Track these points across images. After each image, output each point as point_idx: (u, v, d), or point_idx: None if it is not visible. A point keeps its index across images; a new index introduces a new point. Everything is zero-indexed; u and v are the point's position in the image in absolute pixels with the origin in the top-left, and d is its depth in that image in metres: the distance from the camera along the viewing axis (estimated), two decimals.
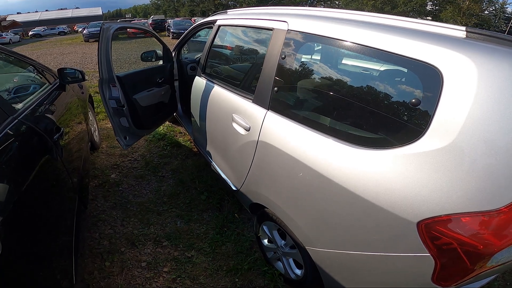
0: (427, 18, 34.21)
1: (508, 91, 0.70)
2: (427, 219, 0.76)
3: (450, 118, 0.76)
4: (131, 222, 2.00)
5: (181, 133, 3.40)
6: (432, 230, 0.76)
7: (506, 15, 32.76)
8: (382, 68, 1.05)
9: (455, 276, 0.79)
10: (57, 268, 1.11)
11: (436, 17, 33.52)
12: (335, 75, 1.18)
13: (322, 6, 43.11)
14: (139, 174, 2.56)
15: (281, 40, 1.28)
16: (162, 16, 32.48)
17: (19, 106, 1.41)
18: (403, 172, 0.82)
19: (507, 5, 32.93)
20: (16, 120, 1.22)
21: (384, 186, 0.85)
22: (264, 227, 1.57)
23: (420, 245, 0.79)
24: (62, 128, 1.52)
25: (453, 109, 0.76)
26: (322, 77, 1.19)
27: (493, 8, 33.14)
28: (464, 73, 0.75)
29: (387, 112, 0.93)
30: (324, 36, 1.12)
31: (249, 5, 38.89)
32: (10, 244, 0.80)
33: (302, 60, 1.27)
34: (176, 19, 23.99)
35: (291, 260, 1.49)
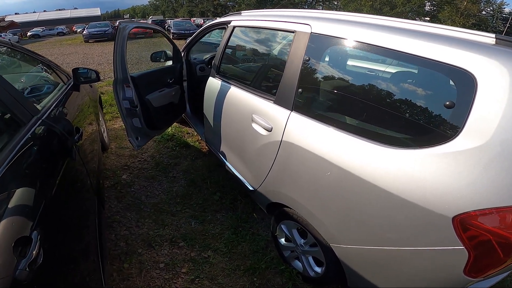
0: (425, 18, 34.39)
1: None
2: (462, 214, 0.81)
3: (484, 119, 0.81)
4: (146, 223, 2.01)
5: (189, 133, 3.40)
6: (467, 224, 0.81)
7: (504, 15, 32.97)
8: (411, 72, 1.08)
9: (487, 267, 0.84)
10: (87, 272, 1.09)
11: (434, 18, 33.70)
12: (362, 78, 1.22)
13: (321, 7, 43.21)
14: (150, 174, 2.56)
15: (304, 42, 1.30)
16: (161, 17, 32.48)
17: (39, 106, 1.41)
18: (438, 170, 0.86)
19: (505, 6, 33.10)
20: (40, 121, 1.22)
21: (418, 183, 0.88)
22: (283, 226, 1.58)
23: (455, 239, 0.83)
24: (81, 129, 1.52)
25: (487, 111, 0.81)
26: (348, 80, 1.22)
27: (491, 8, 33.35)
28: (496, 78, 0.81)
29: (420, 113, 0.97)
30: (349, 39, 1.15)
31: (248, 6, 38.92)
32: (49, 251, 0.80)
33: (326, 62, 1.29)
34: (176, 19, 24.03)
35: (310, 258, 1.51)
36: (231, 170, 1.95)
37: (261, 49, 1.96)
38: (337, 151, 1.10)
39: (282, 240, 1.66)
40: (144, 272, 1.64)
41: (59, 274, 0.85)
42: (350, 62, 1.29)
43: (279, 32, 1.59)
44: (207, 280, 1.61)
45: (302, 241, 1.48)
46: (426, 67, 0.96)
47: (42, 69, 2.02)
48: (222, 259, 1.73)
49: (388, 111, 1.05)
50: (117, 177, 2.51)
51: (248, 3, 39.88)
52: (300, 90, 1.30)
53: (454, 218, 0.82)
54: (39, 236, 0.74)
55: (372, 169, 0.98)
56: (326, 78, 1.26)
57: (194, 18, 31.30)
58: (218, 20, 2.25)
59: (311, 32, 1.29)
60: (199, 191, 2.34)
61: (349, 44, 1.18)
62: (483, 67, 0.83)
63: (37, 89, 1.78)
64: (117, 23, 1.89)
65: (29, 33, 31.11)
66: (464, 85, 0.85)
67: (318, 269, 1.47)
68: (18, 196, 0.82)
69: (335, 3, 42.62)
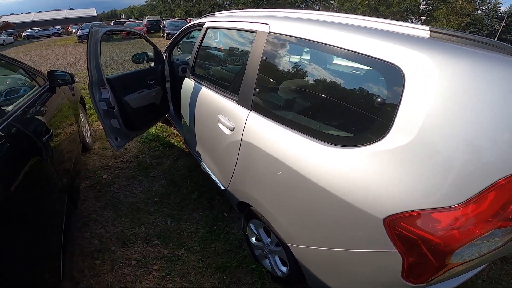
0: (421, 17, 34.50)
1: (466, 88, 0.73)
2: (391, 215, 0.79)
3: (412, 115, 0.78)
4: (122, 222, 2.03)
5: (174, 134, 3.42)
6: (397, 226, 0.78)
7: (499, 14, 33.14)
8: (352, 69, 1.08)
9: (423, 273, 0.80)
10: (45, 266, 1.14)
11: (429, 17, 33.84)
12: (310, 76, 1.21)
13: (317, 7, 43.25)
14: (130, 174, 2.58)
15: (263, 42, 1.32)
16: (157, 17, 32.37)
17: (8, 108, 1.43)
18: (372, 169, 0.84)
19: (500, 4, 33.25)
20: (5, 123, 1.24)
21: (355, 183, 0.87)
22: (251, 225, 1.61)
23: (388, 242, 0.80)
24: (51, 130, 1.55)
25: (414, 107, 0.78)
26: (298, 78, 1.23)
27: (486, 7, 33.53)
28: (423, 72, 0.77)
29: (356, 111, 0.96)
30: (300, 38, 1.15)
31: (244, 6, 38.89)
32: None
33: (282, 61, 1.31)
34: (171, 20, 23.96)
35: (277, 258, 1.53)
36: (205, 170, 1.98)
37: (230, 49, 1.98)
38: (285, 150, 1.11)
39: (253, 239, 1.68)
40: (115, 269, 1.66)
41: (8, 264, 0.89)
42: (301, 60, 1.28)
43: (244, 32, 1.61)
44: (178, 277, 1.63)
45: (268, 240, 1.50)
46: (361, 63, 0.95)
47: (18, 73, 2.03)
48: (194, 257, 1.76)
49: (330, 109, 1.05)
50: (98, 177, 2.53)
51: (245, 2, 39.86)
52: (257, 89, 1.32)
53: (385, 220, 0.80)
54: None
55: (315, 168, 0.99)
56: (280, 77, 1.28)
57: (191, 18, 31.25)
58: (196, 21, 2.28)
59: (269, 32, 1.30)
60: (178, 190, 2.36)
61: (301, 42, 1.17)
62: (410, 61, 0.79)
63: (12, 93, 1.79)
64: (90, 27, 1.90)
65: (24, 34, 30.93)
66: (393, 80, 0.83)
67: (283, 269, 1.49)
68: None
69: (332, 2, 42.69)
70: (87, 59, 1.85)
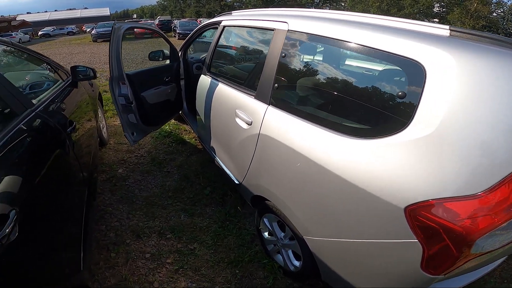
0: (434, 20, 33.93)
1: (485, 84, 0.77)
2: (413, 204, 0.80)
3: (433, 109, 0.81)
4: (136, 215, 2.08)
5: (186, 130, 3.48)
6: (418, 215, 0.80)
7: None
8: (372, 65, 1.11)
9: (443, 263, 0.81)
10: (67, 256, 1.17)
11: (443, 19, 33.24)
12: (330, 73, 1.24)
13: (328, 8, 43.02)
14: (145, 169, 2.64)
15: (282, 39, 1.36)
16: (168, 17, 32.83)
17: (35, 100, 1.50)
18: (392, 160, 0.87)
19: None
20: (33, 113, 1.30)
21: (375, 173, 0.90)
22: (265, 219, 1.63)
23: (408, 231, 0.82)
24: (74, 122, 1.61)
25: (435, 101, 0.82)
26: (318, 74, 1.26)
27: (502, 10, 32.73)
28: (444, 68, 0.81)
29: (378, 104, 0.99)
30: (321, 36, 1.19)
31: (254, 6, 39.04)
32: (24, 231, 0.85)
33: (301, 58, 1.34)
34: (182, 20, 24.23)
35: (290, 252, 1.55)
36: (219, 165, 2.01)
37: (247, 47, 2.02)
38: (305, 142, 1.14)
39: (266, 234, 1.70)
40: (130, 262, 1.70)
41: (32, 253, 0.91)
42: (320, 58, 1.32)
43: (262, 30, 1.65)
44: (191, 271, 1.66)
45: (282, 234, 1.52)
46: (384, 59, 0.99)
47: (42, 67, 2.12)
48: (207, 251, 1.79)
49: (350, 103, 1.08)
50: (113, 171, 2.60)
51: (255, 3, 40.00)
52: (276, 85, 1.36)
53: (406, 209, 0.81)
54: (16, 216, 0.80)
55: (335, 159, 1.01)
56: (299, 73, 1.31)
57: (201, 19, 31.55)
58: (211, 20, 2.32)
59: (288, 30, 1.34)
60: (191, 185, 2.40)
61: (320, 40, 1.22)
62: (432, 57, 0.84)
63: (37, 86, 1.87)
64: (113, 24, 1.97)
65: (40, 33, 31.78)
66: (414, 75, 0.87)
67: (296, 263, 1.50)
68: (3, 177, 0.89)
69: (342, 4, 42.42)
70: (109, 54, 1.91)
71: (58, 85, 1.88)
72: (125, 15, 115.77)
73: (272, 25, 1.47)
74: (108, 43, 1.94)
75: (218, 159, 2.05)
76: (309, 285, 1.58)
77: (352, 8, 36.31)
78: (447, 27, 0.91)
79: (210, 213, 2.11)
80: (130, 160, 2.81)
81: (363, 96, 1.05)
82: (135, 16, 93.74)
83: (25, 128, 1.17)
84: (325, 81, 1.22)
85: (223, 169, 1.95)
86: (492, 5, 32.23)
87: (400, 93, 0.90)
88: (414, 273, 0.86)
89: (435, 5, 33.85)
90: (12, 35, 23.30)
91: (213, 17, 2.36)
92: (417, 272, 0.85)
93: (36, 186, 1.02)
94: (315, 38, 1.23)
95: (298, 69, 1.34)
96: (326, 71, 1.24)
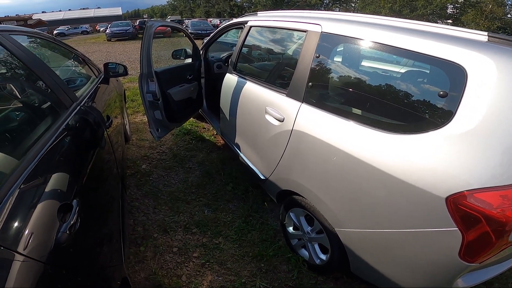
0: (448, 21, 33.29)
1: None
2: (454, 194, 0.86)
3: (474, 107, 0.89)
4: (162, 210, 2.14)
5: (205, 128, 3.55)
6: (459, 204, 0.86)
7: None
8: (408, 66, 1.16)
9: (481, 251, 0.87)
10: (112, 247, 1.17)
11: (457, 20, 32.61)
12: (366, 72, 1.31)
13: (338, 9, 42.73)
14: (167, 165, 2.72)
15: (315, 41, 1.41)
16: (179, 17, 33.18)
17: (78, 94, 1.57)
18: (433, 153, 0.93)
19: None
20: (79, 107, 1.38)
21: (417, 165, 0.96)
22: (291, 214, 1.67)
23: (449, 220, 0.88)
24: (111, 117, 1.68)
25: (476, 100, 0.89)
26: (354, 75, 1.32)
27: None
28: (484, 71, 0.89)
29: (418, 102, 1.07)
30: (357, 38, 1.25)
31: (264, 7, 39.10)
32: (83, 221, 0.86)
33: (334, 59, 1.39)
34: (194, 20, 24.48)
35: (316, 246, 1.59)
36: (244, 161, 2.06)
37: (276, 47, 2.07)
38: (341, 137, 1.19)
39: (290, 229, 1.74)
40: (158, 256, 1.75)
41: (91, 240, 0.96)
42: (357, 59, 1.38)
43: (292, 31, 1.70)
44: (217, 264, 1.71)
45: (309, 228, 1.56)
46: (425, 62, 1.05)
47: (77, 62, 2.20)
48: (232, 245, 1.83)
49: (389, 100, 1.13)
50: (137, 167, 2.68)
51: (264, 4, 40.07)
52: (310, 84, 1.41)
53: (447, 199, 0.87)
54: (77, 207, 0.84)
55: (374, 153, 1.07)
56: (334, 73, 1.36)
57: (211, 19, 31.79)
58: (236, 20, 2.38)
59: (322, 32, 1.40)
60: (213, 181, 2.46)
61: (356, 42, 1.27)
62: (472, 61, 0.91)
63: (76, 80, 1.96)
64: (145, 22, 2.04)
65: (55, 32, 32.45)
66: (456, 76, 0.94)
67: (323, 256, 1.54)
68: (61, 170, 0.95)
69: (352, 5, 42.08)
70: (140, 52, 1.98)
71: (93, 81, 1.96)
72: (136, 15, 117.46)
73: (304, 26, 1.52)
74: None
75: (242, 155, 2.10)
76: (334, 278, 1.61)
77: (362, 9, 35.99)
78: (485, 33, 0.98)
79: (233, 209, 2.16)
80: (152, 156, 2.89)
81: (401, 95, 1.11)
82: (146, 15, 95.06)
83: (73, 120, 1.24)
84: (361, 82, 1.27)
85: (247, 165, 2.00)
86: (508, 6, 31.45)
87: (441, 93, 0.97)
88: (451, 261, 0.92)
89: (449, 6, 33.24)
90: None
91: (222, 17, 2.40)
92: (454, 260, 0.90)
93: (87, 178, 1.07)
94: (351, 40, 1.29)
95: (332, 69, 1.39)
96: (362, 72, 1.30)
